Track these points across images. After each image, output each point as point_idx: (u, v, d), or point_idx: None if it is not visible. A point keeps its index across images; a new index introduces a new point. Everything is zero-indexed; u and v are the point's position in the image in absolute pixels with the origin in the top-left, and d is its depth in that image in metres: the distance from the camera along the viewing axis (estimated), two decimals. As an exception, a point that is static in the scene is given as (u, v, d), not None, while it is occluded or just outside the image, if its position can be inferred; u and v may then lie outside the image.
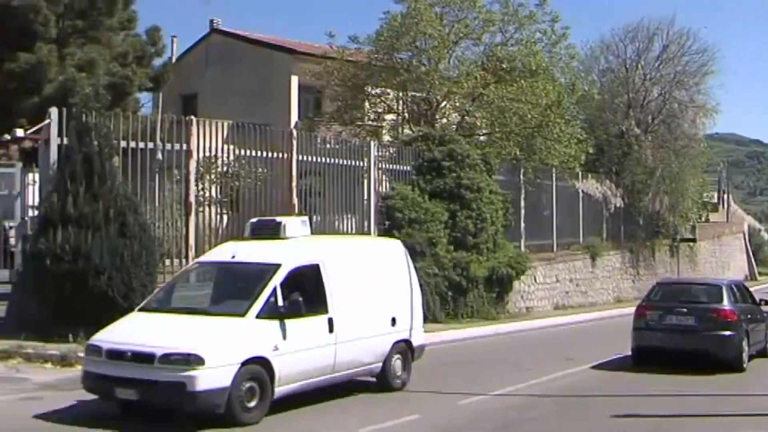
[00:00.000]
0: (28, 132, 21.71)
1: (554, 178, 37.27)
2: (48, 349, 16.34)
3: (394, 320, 15.31)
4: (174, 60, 43.25)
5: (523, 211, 34.54)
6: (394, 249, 16.62)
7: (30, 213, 25.02)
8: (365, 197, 25.73)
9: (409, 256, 16.77)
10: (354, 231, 25.66)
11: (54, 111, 19.35)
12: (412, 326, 15.90)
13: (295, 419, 12.75)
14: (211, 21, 46.12)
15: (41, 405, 13.22)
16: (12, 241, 26.45)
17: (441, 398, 14.87)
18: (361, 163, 25.69)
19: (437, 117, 37.29)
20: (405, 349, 15.64)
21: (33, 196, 24.89)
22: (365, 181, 25.72)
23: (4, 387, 14.27)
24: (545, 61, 36.78)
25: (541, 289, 34.00)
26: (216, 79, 42.45)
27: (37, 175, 23.90)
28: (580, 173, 39.96)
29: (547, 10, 37.50)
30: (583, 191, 40.63)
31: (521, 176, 34.97)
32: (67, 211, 17.19)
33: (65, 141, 18.71)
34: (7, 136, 24.63)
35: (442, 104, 37.25)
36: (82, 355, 15.93)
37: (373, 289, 14.95)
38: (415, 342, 16.02)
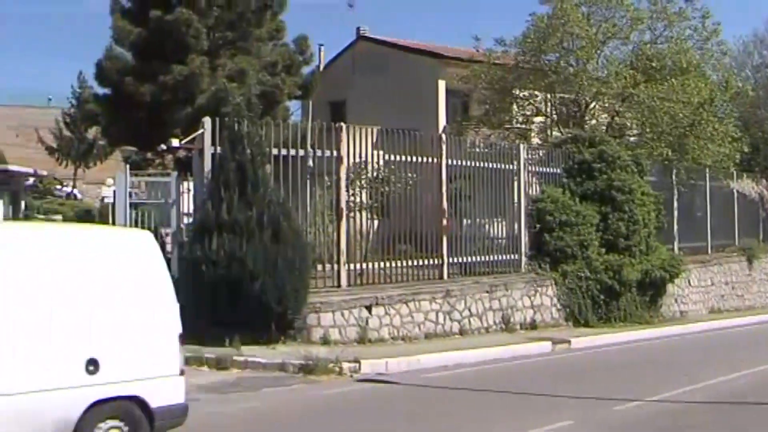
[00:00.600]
0: (183, 142, 22.21)
1: (708, 179, 36.18)
2: (204, 353, 16.60)
3: (93, 364, 9.08)
4: (322, 68, 43.85)
5: (675, 213, 33.66)
6: (130, 248, 10.17)
7: (185, 220, 25.67)
8: (515, 200, 25.46)
9: (162, 259, 10.58)
10: (504, 235, 25.45)
11: (207, 121, 19.74)
12: (154, 373, 9.70)
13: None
14: (358, 29, 46.57)
15: (198, 406, 13.45)
16: (168, 247, 27.19)
17: (595, 404, 14.51)
18: (511, 166, 25.42)
19: (586, 118, 36.74)
20: (130, 414, 9.37)
21: (188, 203, 25.54)
22: (515, 184, 25.45)
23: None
24: (696, 59, 35.81)
25: (695, 293, 33.02)
26: (363, 86, 42.76)
27: (191, 184, 24.47)
28: (734, 173, 38.68)
29: (697, 6, 36.52)
30: (738, 191, 39.34)
31: (673, 177, 34.08)
32: (222, 218, 17.48)
33: (218, 150, 19.04)
34: (163, 146, 25.33)
35: (591, 105, 36.67)
36: (237, 359, 16.27)
37: (51, 311, 8.94)
38: (159, 401, 9.65)
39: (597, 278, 25.40)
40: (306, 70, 38.35)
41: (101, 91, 38.91)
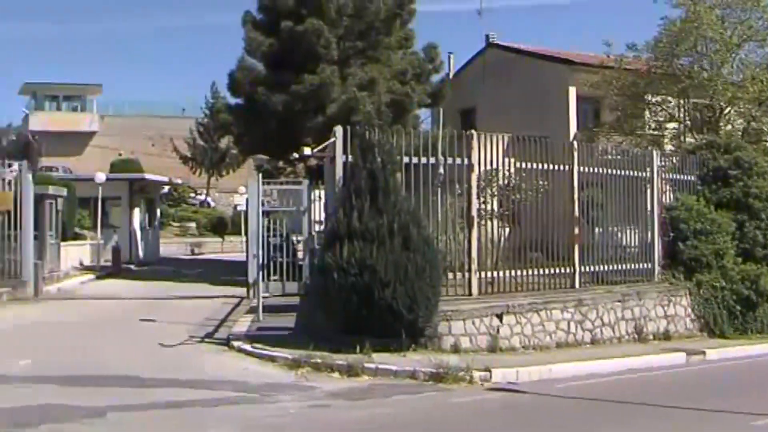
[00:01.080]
0: (315, 151, 22.51)
1: None
2: (335, 359, 16.73)
3: None
4: (451, 76, 43.92)
5: (819, 222, 32.49)
6: None
7: (316, 228, 26.03)
8: (648, 208, 24.99)
9: None
10: (636, 243, 25.02)
11: (339, 129, 19.95)
12: None
13: None
14: (487, 36, 46.48)
15: (329, 413, 13.60)
16: (300, 254, 27.60)
17: (733, 418, 14.11)
18: (643, 174, 24.97)
19: (721, 124, 35.94)
20: None
21: (318, 211, 25.88)
22: (647, 192, 24.98)
23: (295, 394, 14.72)
24: (836, 61, 34.75)
25: (839, 304, 31.78)
26: (493, 93, 42.66)
27: (322, 192, 24.81)
28: None
29: (839, 5, 35.42)
30: None
31: (814, 184, 32.95)
32: (353, 225, 17.60)
33: (350, 158, 19.23)
34: (296, 155, 25.73)
35: (726, 110, 35.85)
36: (368, 365, 16.36)
37: None
38: None
39: (733, 288, 24.70)
40: (436, 78, 38.53)
41: (234, 101, 39.82)
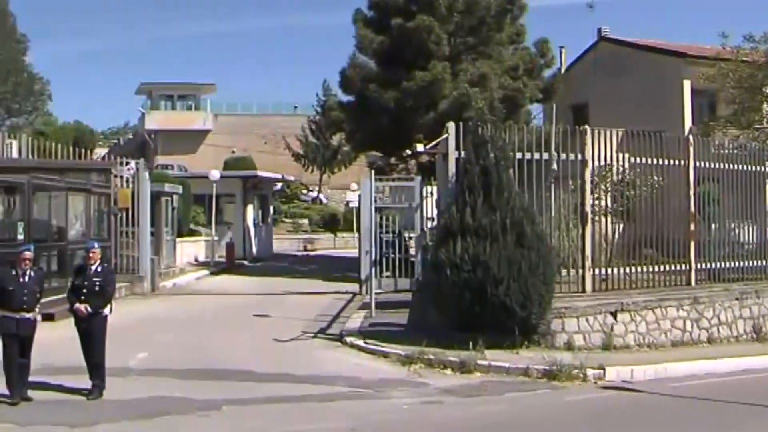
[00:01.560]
0: (428, 147, 22.49)
1: None
2: (447, 356, 16.70)
3: None
4: (563, 70, 43.42)
5: None
6: None
7: (428, 224, 26.01)
8: (766, 204, 24.33)
9: None
10: (754, 240, 24.37)
11: (451, 126, 19.92)
12: None
13: None
14: (599, 29, 45.81)
15: (442, 410, 13.58)
16: (411, 251, 27.63)
17: None
18: (762, 168, 24.31)
19: None
20: None
21: (430, 207, 25.87)
22: (766, 187, 24.32)
23: (407, 390, 14.75)
24: None
25: None
26: (605, 88, 42.04)
27: (434, 188, 24.79)
28: None
29: None
30: None
31: None
32: (466, 221, 17.54)
33: (462, 154, 19.18)
34: (408, 152, 25.77)
35: None
36: (481, 362, 16.29)
37: None
38: None
39: None
40: (547, 73, 38.22)
41: (345, 98, 40.05)
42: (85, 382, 13.78)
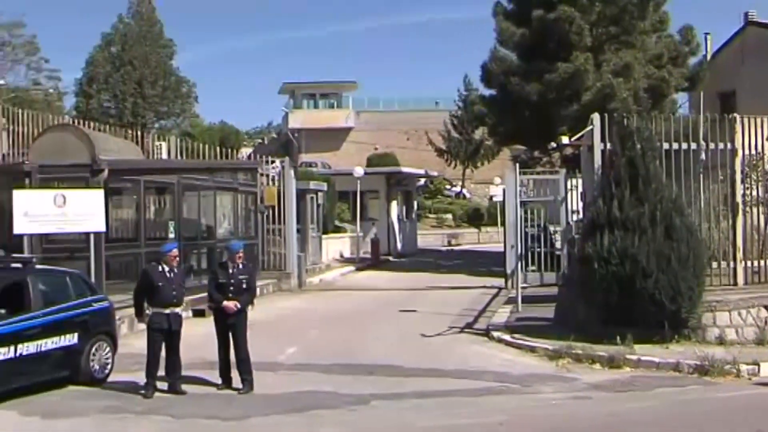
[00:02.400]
0: (573, 139, 22.24)
1: None
2: (596, 351, 16.51)
3: None
4: (709, 57, 42.23)
5: None
6: None
7: (573, 217, 25.74)
8: None
9: None
10: None
11: (596, 117, 19.65)
12: None
13: None
14: (746, 14, 44.39)
15: (592, 405, 13.43)
16: (557, 244, 27.39)
17: None
18: None
19: None
20: None
21: (575, 200, 25.59)
22: None
23: (556, 385, 14.64)
24: None
25: None
26: (754, 74, 40.65)
27: (577, 181, 24.49)
28: None
29: None
30: None
31: None
32: (613, 214, 17.29)
33: (608, 146, 18.92)
34: (553, 144, 25.54)
35: None
36: (629, 357, 16.03)
37: None
38: None
39: None
40: (692, 60, 37.31)
41: (487, 92, 39.95)
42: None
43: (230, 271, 14.28)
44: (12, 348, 12.97)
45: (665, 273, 16.76)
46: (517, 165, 23.48)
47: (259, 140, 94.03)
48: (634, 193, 17.39)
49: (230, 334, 14.18)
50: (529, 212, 26.82)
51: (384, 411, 12.96)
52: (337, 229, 42.81)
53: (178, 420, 12.27)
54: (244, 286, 14.25)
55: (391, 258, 43.60)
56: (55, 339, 13.82)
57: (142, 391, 13.70)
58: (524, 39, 35.74)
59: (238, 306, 14.06)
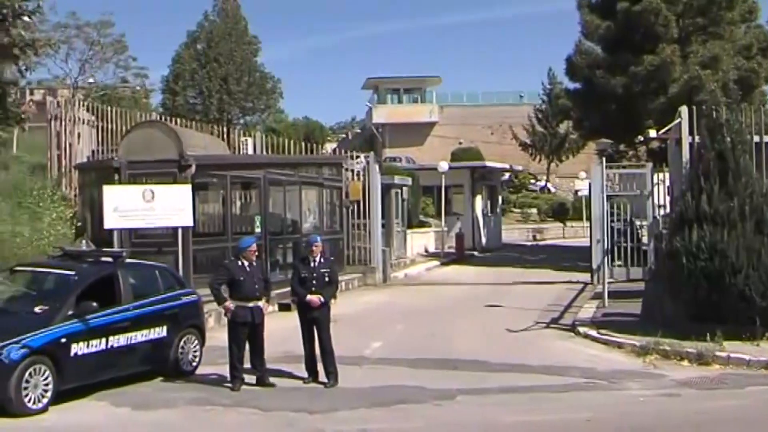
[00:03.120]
0: (660, 132, 21.96)
1: None
2: (684, 347, 16.26)
3: None
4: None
5: None
6: None
7: (660, 212, 25.41)
8: None
9: None
10: None
11: (684, 110, 19.40)
12: None
13: None
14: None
15: (680, 402, 13.24)
16: (644, 239, 27.04)
17: None
18: None
19: None
20: None
21: (662, 195, 25.25)
22: None
23: (643, 382, 14.48)
24: None
25: None
26: None
27: (664, 175, 24.17)
28: None
29: None
30: None
31: None
32: (702, 209, 17.01)
33: (696, 139, 18.63)
34: (640, 138, 25.24)
35: None
36: (719, 354, 15.76)
37: None
38: None
39: None
40: (784, 50, 36.53)
41: (572, 85, 39.65)
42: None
43: (312, 264, 14.34)
44: (103, 340, 13.24)
45: (755, 268, 16.46)
46: (603, 159, 23.25)
47: (343, 135, 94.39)
48: (723, 187, 17.11)
49: (314, 328, 14.26)
50: (614, 207, 26.48)
51: (469, 406, 12.95)
52: (422, 224, 42.80)
53: (266, 413, 12.41)
54: (327, 279, 14.33)
55: (475, 253, 43.44)
56: (145, 332, 14.07)
57: (229, 385, 13.88)
58: (609, 31, 35.38)
59: (322, 299, 14.14)
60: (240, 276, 13.97)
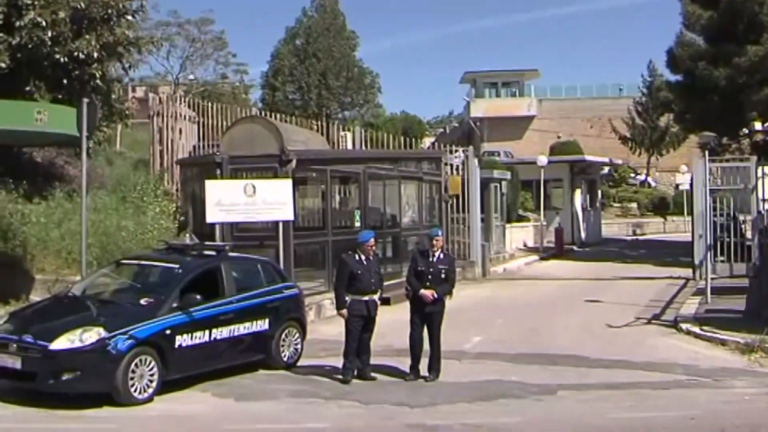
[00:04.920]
0: (765, 125, 21.53)
1: None
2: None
3: None
4: None
5: None
6: None
7: (764, 206, 24.89)
8: None
9: None
10: None
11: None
12: None
13: None
14: None
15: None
16: (748, 234, 26.52)
17: None
18: None
19: None
20: None
21: (766, 189, 24.74)
22: None
23: (748, 380, 14.25)
24: None
25: None
26: None
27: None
28: None
29: None
30: None
31: None
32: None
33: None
34: (745, 130, 24.77)
35: None
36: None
37: None
38: None
39: None
40: None
41: (673, 78, 39.05)
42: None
43: (430, 259, 14.27)
44: (206, 332, 13.48)
45: None
46: (706, 152, 22.86)
47: (441, 129, 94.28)
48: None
49: (426, 324, 14.19)
50: (717, 201, 26.03)
51: (571, 402, 12.89)
52: (521, 218, 42.59)
53: (367, 405, 12.52)
54: (443, 275, 14.23)
55: (574, 247, 43.07)
56: (247, 324, 14.28)
57: (340, 376, 14.02)
58: (712, 22, 34.74)
59: (436, 295, 14.04)
60: (357, 270, 14.03)
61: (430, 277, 14.13)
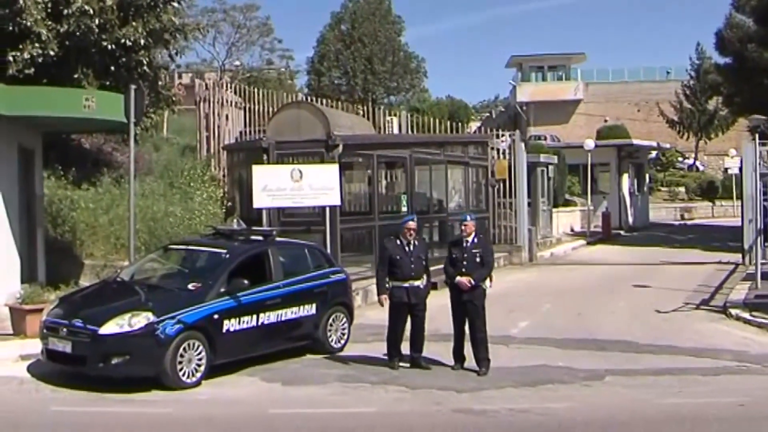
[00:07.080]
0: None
1: None
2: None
3: None
4: None
5: None
6: None
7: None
8: None
9: None
10: None
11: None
12: None
13: None
14: None
15: None
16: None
17: None
18: None
19: None
20: None
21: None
22: None
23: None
24: None
25: None
26: None
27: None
28: None
29: None
30: None
31: None
32: None
33: None
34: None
35: None
36: None
37: None
38: None
39: None
40: None
41: (721, 60, 38.61)
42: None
43: (464, 244, 13.84)
44: (254, 317, 13.54)
45: None
46: (756, 135, 22.58)
47: (487, 114, 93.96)
48: None
49: (466, 312, 13.75)
50: (767, 185, 25.69)
51: (619, 387, 12.81)
52: (567, 203, 42.35)
53: (413, 390, 12.52)
54: (478, 260, 13.72)
55: (622, 232, 42.80)
56: (294, 309, 14.32)
57: (384, 362, 13.99)
58: (762, 3, 34.30)
59: (472, 282, 13.58)
60: (397, 255, 13.76)
61: (465, 263, 13.66)
